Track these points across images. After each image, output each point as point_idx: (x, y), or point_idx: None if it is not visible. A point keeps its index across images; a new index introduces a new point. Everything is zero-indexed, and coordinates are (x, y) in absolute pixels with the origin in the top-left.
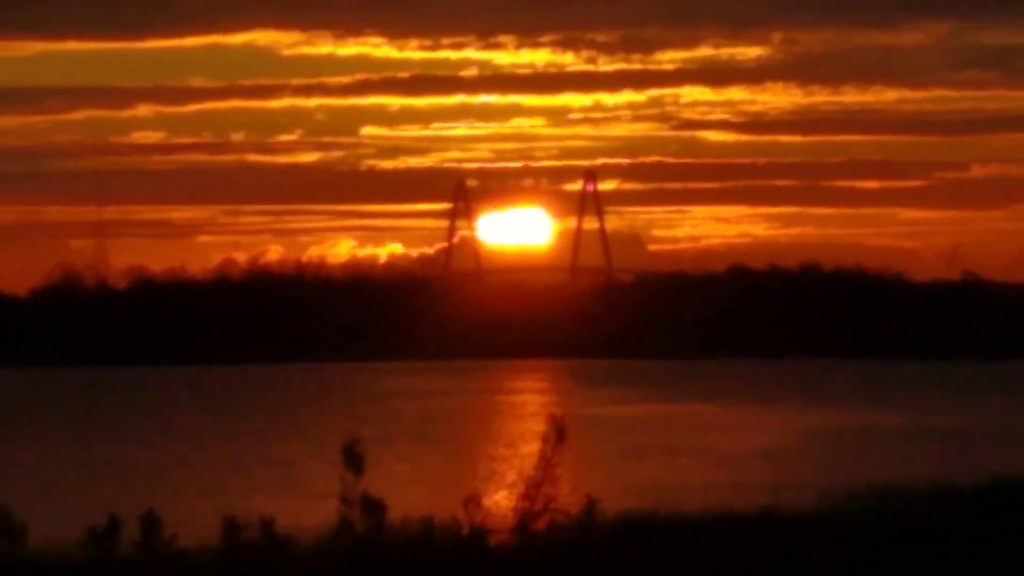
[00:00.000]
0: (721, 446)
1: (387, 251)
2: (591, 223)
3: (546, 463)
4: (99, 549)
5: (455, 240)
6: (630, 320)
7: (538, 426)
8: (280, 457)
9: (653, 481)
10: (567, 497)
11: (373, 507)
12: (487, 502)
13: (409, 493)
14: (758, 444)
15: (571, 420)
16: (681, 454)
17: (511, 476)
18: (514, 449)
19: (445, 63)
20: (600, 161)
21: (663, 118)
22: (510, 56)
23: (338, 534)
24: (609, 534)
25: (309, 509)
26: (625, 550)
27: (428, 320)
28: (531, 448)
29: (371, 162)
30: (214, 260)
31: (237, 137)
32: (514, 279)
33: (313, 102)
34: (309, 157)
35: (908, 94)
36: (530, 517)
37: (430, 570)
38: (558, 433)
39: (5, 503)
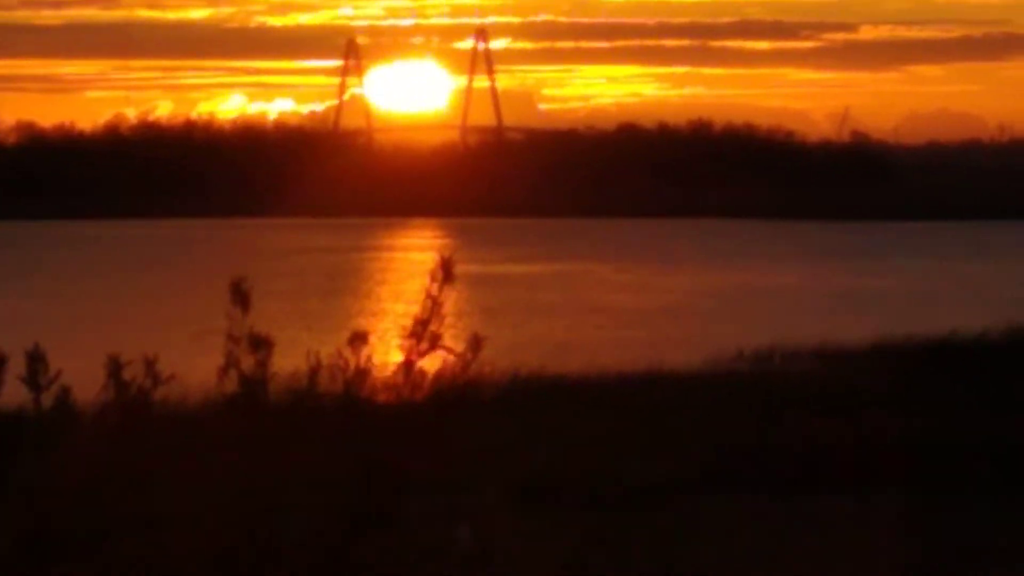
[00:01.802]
0: (616, 304)
1: (277, 108)
2: (481, 82)
3: (433, 301)
4: None
5: (345, 98)
6: (520, 179)
7: (418, 283)
8: (167, 310)
9: (546, 338)
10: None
11: (260, 343)
12: (373, 341)
13: (295, 334)
14: (654, 303)
15: (463, 276)
16: (574, 312)
17: (398, 320)
18: (400, 301)
19: None
20: (491, 19)
21: None
22: None
23: (223, 371)
24: (496, 388)
25: (195, 350)
26: (508, 403)
27: (318, 177)
28: (416, 301)
29: (261, 19)
30: (104, 116)
31: None
32: (404, 137)
33: None
34: (199, 13)
35: None
36: (416, 354)
37: (314, 404)
38: (445, 272)
39: None
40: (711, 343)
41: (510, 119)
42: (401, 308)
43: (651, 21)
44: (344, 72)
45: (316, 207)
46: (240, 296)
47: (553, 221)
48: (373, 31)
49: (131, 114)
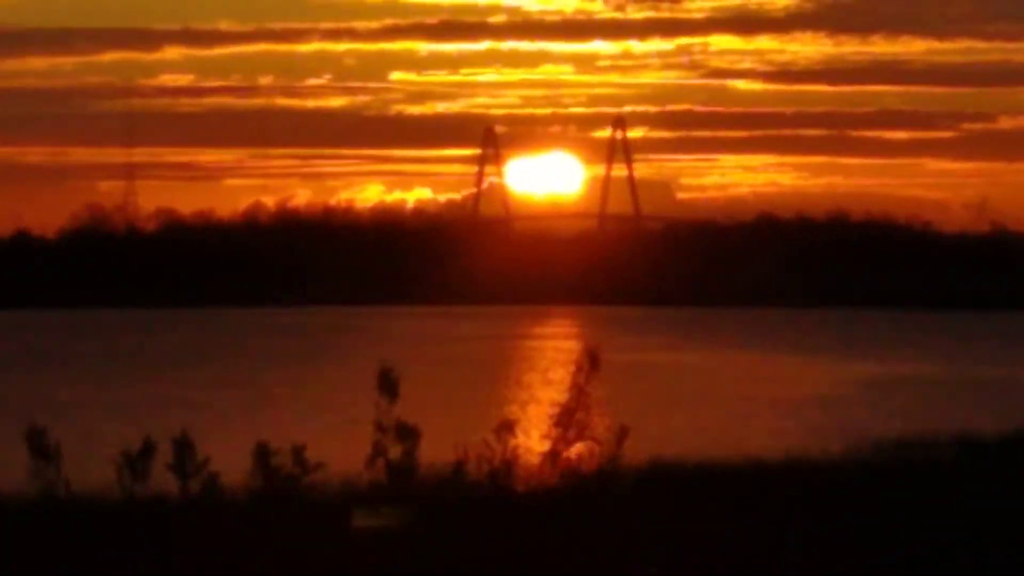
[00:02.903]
0: (754, 394)
1: (415, 196)
2: (620, 171)
3: (579, 391)
4: (133, 472)
5: (483, 186)
6: (658, 268)
7: (562, 372)
8: (312, 397)
9: (690, 427)
10: (600, 430)
11: (408, 433)
12: (519, 430)
13: (441, 422)
14: (793, 393)
15: (605, 364)
16: (712, 401)
17: (544, 409)
18: (546, 389)
19: (473, 8)
20: (628, 108)
21: (692, 67)
22: (538, 2)
23: (371, 460)
24: (635, 477)
25: (343, 438)
26: (649, 493)
27: (455, 266)
28: (563, 387)
29: (399, 107)
30: (242, 203)
31: (265, 81)
32: (542, 226)
33: (342, 46)
34: (337, 101)
35: (937, 45)
36: (562, 443)
37: (461, 494)
38: (592, 360)
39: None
40: (853, 432)
41: (648, 208)
42: (545, 396)
43: (789, 110)
44: (482, 160)
45: (455, 294)
46: (388, 385)
47: (692, 309)
48: (511, 119)
49: (269, 202)
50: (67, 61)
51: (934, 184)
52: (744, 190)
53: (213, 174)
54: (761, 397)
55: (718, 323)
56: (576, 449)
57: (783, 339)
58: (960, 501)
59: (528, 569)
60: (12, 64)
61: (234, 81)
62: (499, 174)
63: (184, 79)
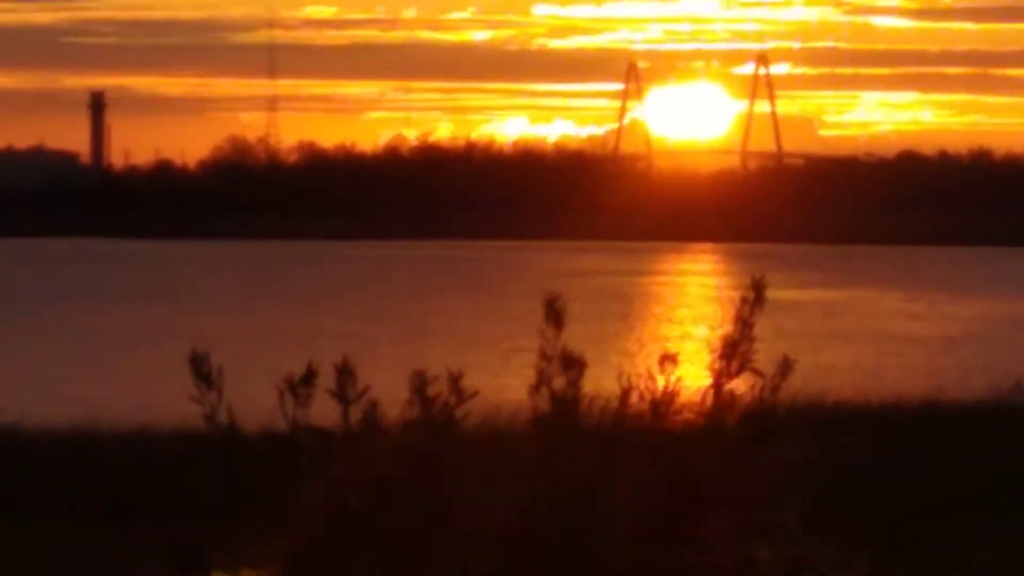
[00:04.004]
0: (907, 332)
1: (557, 131)
2: (762, 107)
3: (743, 323)
4: (295, 396)
5: (625, 121)
6: (800, 205)
7: (712, 308)
8: (464, 329)
9: (844, 364)
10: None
11: (573, 363)
12: (681, 362)
13: (595, 356)
14: (945, 330)
15: (753, 301)
16: (868, 339)
17: (703, 345)
18: (698, 325)
19: None
20: (772, 45)
21: (835, 3)
22: None
23: (535, 389)
24: (800, 412)
25: (498, 368)
26: (811, 426)
27: (597, 201)
28: (712, 325)
29: (542, 41)
30: (383, 137)
31: (408, 13)
32: (683, 162)
33: None
34: (481, 35)
35: None
36: (725, 375)
37: (625, 424)
38: (756, 294)
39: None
40: (991, 373)
41: (790, 145)
42: (697, 332)
43: (933, 48)
44: (624, 96)
45: (595, 230)
46: (554, 315)
47: (832, 247)
48: (653, 55)
49: (411, 136)
50: None
51: None
52: (887, 127)
53: (355, 107)
54: (912, 335)
55: (861, 261)
56: (740, 381)
57: (928, 277)
58: None
59: (683, 501)
60: None
61: (378, 13)
62: (641, 109)
63: (328, 11)
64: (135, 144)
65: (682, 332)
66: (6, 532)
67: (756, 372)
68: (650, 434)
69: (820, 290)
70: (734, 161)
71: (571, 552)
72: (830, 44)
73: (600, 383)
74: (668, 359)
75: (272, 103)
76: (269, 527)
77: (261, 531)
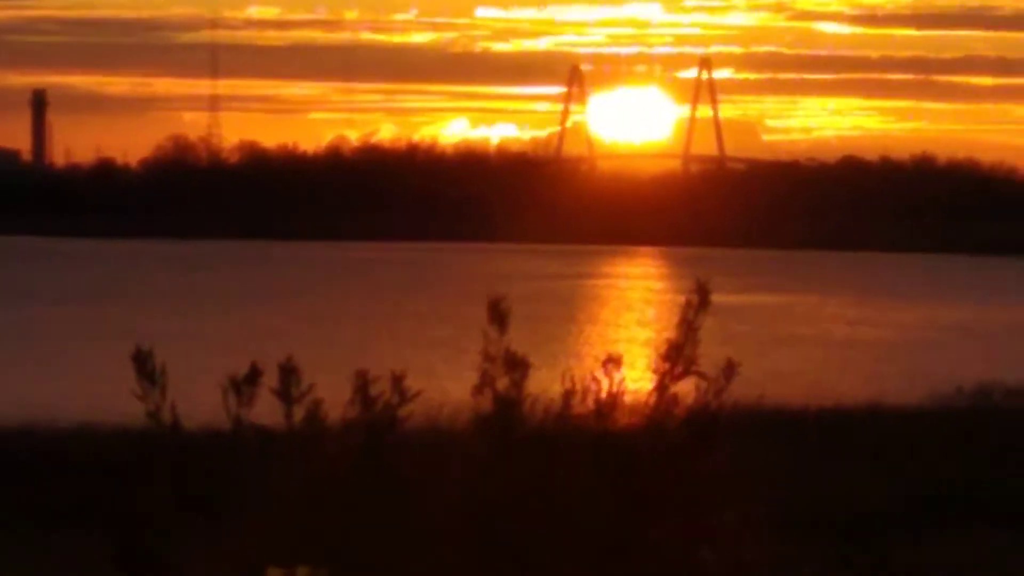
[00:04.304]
0: (845, 337)
1: (499, 134)
2: (705, 111)
3: (687, 326)
4: (238, 396)
5: (568, 125)
6: (742, 209)
7: (655, 311)
8: (406, 330)
9: (783, 369)
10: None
11: (516, 364)
12: (624, 365)
13: (537, 359)
14: (882, 336)
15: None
16: (796, 344)
17: (646, 348)
18: (642, 328)
19: None
20: (715, 49)
21: (778, 8)
22: None
23: (478, 390)
24: (741, 416)
25: (440, 370)
26: (753, 431)
27: (539, 204)
28: (655, 328)
29: (485, 44)
30: (326, 138)
31: (351, 15)
32: (626, 165)
33: None
34: (423, 37)
35: None
36: (669, 379)
37: (568, 426)
38: (701, 297)
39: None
40: (933, 378)
41: (732, 149)
42: (641, 335)
43: (875, 54)
44: (567, 99)
45: (537, 233)
46: (498, 316)
47: (774, 252)
48: (596, 58)
49: (353, 136)
50: None
51: (1020, 130)
52: (829, 133)
53: (297, 108)
54: (856, 340)
55: (804, 266)
56: (683, 384)
57: (871, 282)
58: None
59: (632, 503)
60: None
61: (320, 15)
62: (584, 113)
63: (270, 12)
64: (77, 143)
65: (626, 335)
66: None
67: (700, 375)
68: (594, 436)
69: (764, 295)
70: (676, 165)
71: (514, 556)
72: (773, 49)
73: (544, 385)
74: (612, 361)
75: (214, 103)
76: (216, 527)
77: (209, 532)
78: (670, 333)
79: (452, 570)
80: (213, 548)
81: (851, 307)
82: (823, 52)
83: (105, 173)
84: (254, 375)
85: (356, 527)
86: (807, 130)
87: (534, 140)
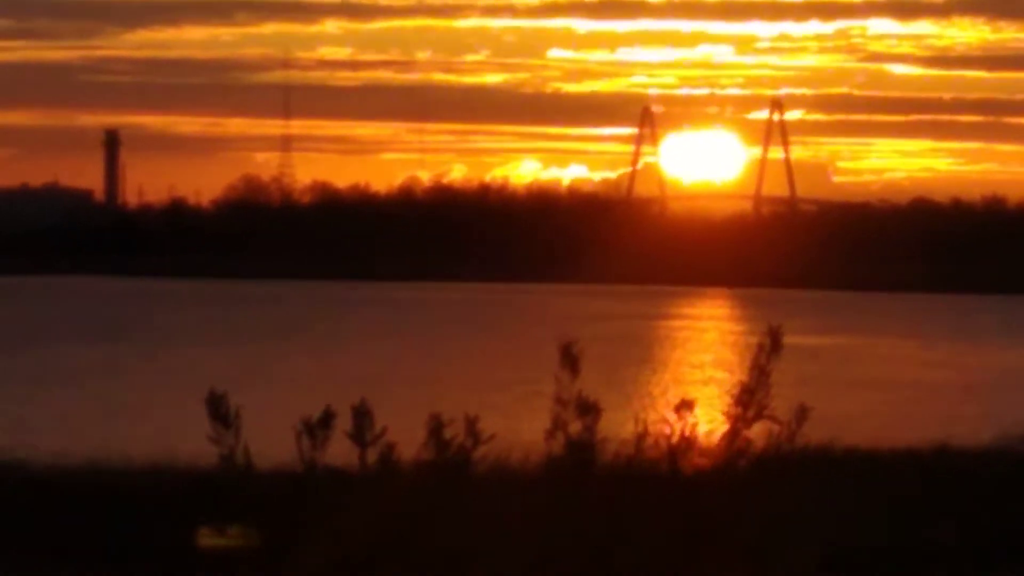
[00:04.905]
0: (921, 379)
1: (570, 174)
2: (776, 153)
3: (760, 371)
4: (313, 439)
5: (639, 166)
6: (813, 251)
7: (728, 353)
8: (479, 372)
9: (858, 410)
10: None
11: (588, 409)
12: (697, 409)
13: (614, 399)
14: (957, 379)
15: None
16: (867, 386)
17: (719, 390)
18: (715, 369)
19: None
20: (786, 91)
21: (850, 50)
22: None
23: (550, 435)
24: (797, 460)
25: (513, 412)
26: (824, 473)
27: (610, 245)
28: (729, 370)
29: (556, 85)
30: (398, 178)
31: (423, 56)
32: (697, 206)
33: (500, 23)
34: (495, 78)
35: None
36: (742, 423)
37: (641, 473)
38: (773, 342)
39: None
40: (1003, 419)
41: (803, 190)
42: (714, 375)
43: (947, 96)
44: (638, 140)
45: (609, 274)
46: (570, 360)
47: (846, 294)
48: (667, 100)
49: (425, 177)
50: (226, 32)
51: None
52: (900, 174)
53: (369, 148)
54: (929, 383)
55: (874, 307)
56: (756, 428)
57: (942, 325)
58: None
59: (701, 546)
60: (171, 34)
61: (392, 55)
62: (655, 154)
63: (342, 52)
64: (149, 183)
65: (699, 376)
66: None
67: (773, 419)
68: (665, 480)
69: (836, 336)
70: (748, 206)
71: None
72: (844, 90)
73: (617, 427)
74: (685, 405)
75: (286, 143)
76: (290, 568)
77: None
78: (742, 376)
79: None
80: None
81: (925, 349)
82: (894, 93)
83: (178, 213)
84: (328, 418)
85: (428, 567)
86: (878, 171)
87: (605, 181)
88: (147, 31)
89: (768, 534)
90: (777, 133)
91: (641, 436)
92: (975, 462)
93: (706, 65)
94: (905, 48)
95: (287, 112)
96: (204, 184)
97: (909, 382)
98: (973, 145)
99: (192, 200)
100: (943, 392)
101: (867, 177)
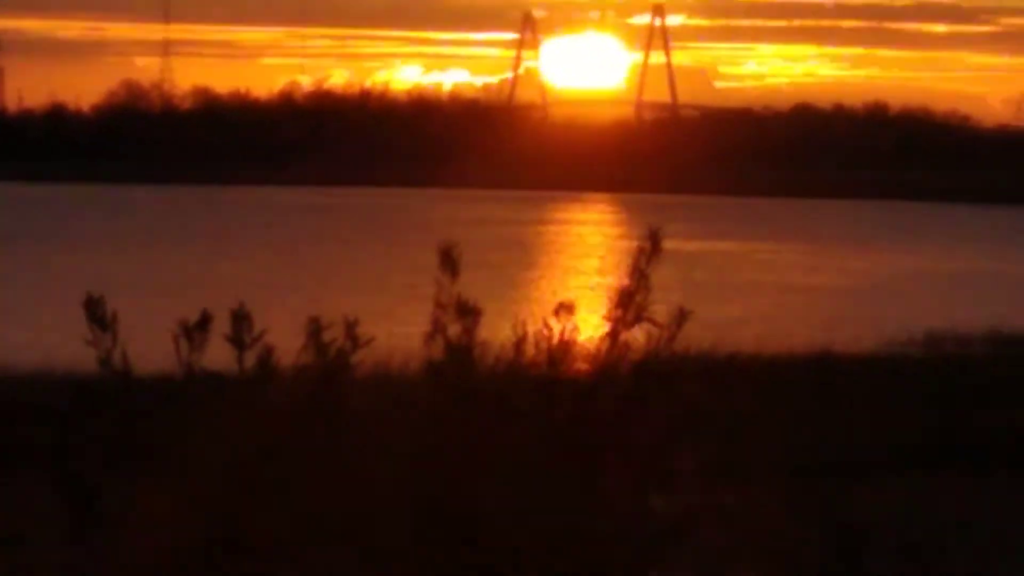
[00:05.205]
0: (802, 284)
1: (452, 80)
2: (657, 58)
3: (640, 273)
4: (190, 342)
5: (520, 71)
6: (694, 156)
7: (609, 257)
8: (360, 276)
9: (735, 315)
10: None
11: (467, 311)
12: (575, 312)
13: (494, 304)
14: (837, 283)
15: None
16: (752, 291)
17: (599, 294)
18: (596, 275)
19: None
20: None
21: None
22: None
23: (430, 337)
24: (693, 362)
25: (394, 316)
26: (705, 377)
27: (492, 150)
28: (609, 275)
29: None
30: (278, 83)
31: None
32: (578, 112)
33: None
34: None
35: None
36: (622, 325)
37: (519, 373)
38: (653, 244)
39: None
40: (888, 325)
41: (685, 96)
42: (593, 281)
43: (829, 2)
44: (520, 45)
45: (489, 179)
46: (449, 262)
47: (728, 199)
48: (549, 4)
49: (306, 82)
50: None
51: (974, 78)
52: (782, 80)
53: (249, 53)
54: (812, 287)
55: (756, 214)
56: (634, 331)
57: (825, 230)
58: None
59: (578, 452)
60: None
61: None
62: (536, 59)
63: None
64: (29, 88)
65: (580, 282)
66: None
67: (652, 322)
68: (545, 382)
69: (718, 241)
70: (629, 112)
71: (464, 501)
72: None
73: (497, 332)
74: (564, 308)
75: (166, 48)
76: (164, 474)
77: (156, 478)
78: (622, 280)
79: (395, 521)
80: (155, 494)
81: (808, 255)
82: None
83: (58, 118)
84: (205, 321)
85: (299, 475)
86: (760, 77)
87: (486, 87)
88: None
89: (653, 438)
90: (659, 38)
91: (521, 340)
92: (858, 366)
93: None
94: None
95: (167, 16)
96: (84, 89)
97: (794, 287)
98: (856, 51)
99: (72, 106)
100: (828, 297)
101: (749, 83)
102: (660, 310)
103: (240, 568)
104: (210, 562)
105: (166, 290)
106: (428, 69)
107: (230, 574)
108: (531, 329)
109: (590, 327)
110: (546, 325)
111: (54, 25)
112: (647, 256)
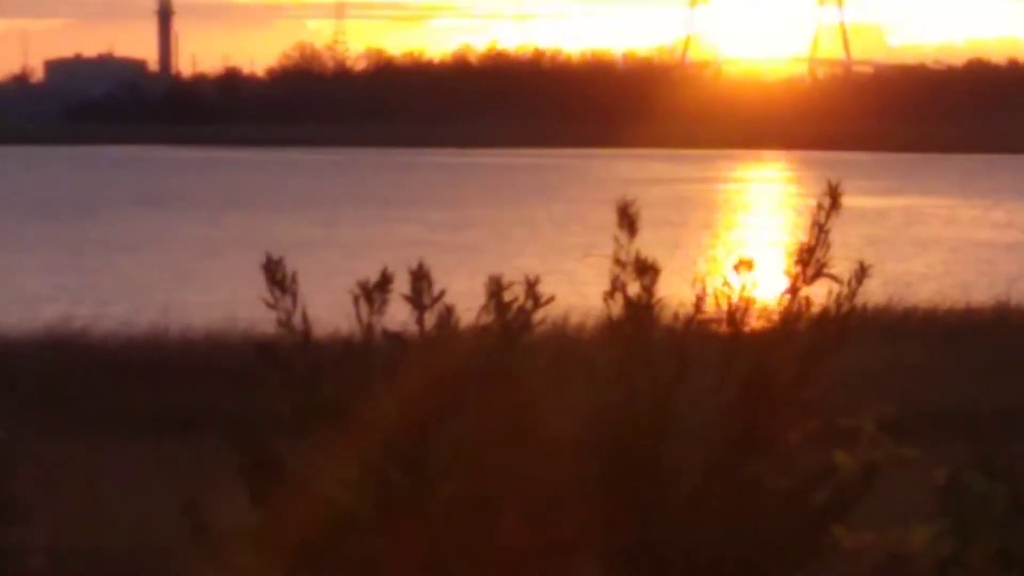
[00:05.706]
0: (971, 239)
1: (625, 39)
2: (831, 16)
3: (819, 228)
4: (369, 301)
5: (693, 31)
6: (869, 113)
7: (787, 214)
8: (540, 235)
9: (922, 271)
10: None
11: (646, 269)
12: (756, 268)
13: (675, 263)
14: (1011, 239)
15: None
16: (931, 246)
17: (779, 251)
18: (774, 231)
19: None
20: None
21: None
22: None
23: (608, 296)
24: (878, 318)
25: (574, 274)
26: (890, 333)
27: (665, 109)
28: (788, 232)
29: None
30: (451, 45)
31: None
32: (751, 70)
33: None
34: None
35: None
36: (801, 281)
37: (699, 330)
38: (833, 199)
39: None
40: None
41: (859, 53)
42: (772, 238)
43: None
44: (693, 4)
45: (663, 138)
46: (627, 220)
47: (901, 155)
48: None
49: (478, 44)
50: None
51: None
52: (956, 37)
53: (422, 15)
54: (989, 242)
55: (931, 169)
56: (814, 287)
57: (1002, 185)
58: None
59: (760, 408)
60: None
61: None
62: (710, 19)
63: None
64: (202, 52)
65: (758, 239)
66: (67, 443)
67: (832, 278)
68: (724, 339)
69: (896, 197)
70: (802, 69)
71: (644, 457)
72: None
73: (677, 290)
74: (743, 264)
75: (340, 10)
76: (344, 435)
77: (337, 439)
78: (801, 236)
79: (574, 480)
80: (336, 455)
81: (986, 209)
82: None
83: (232, 82)
84: (385, 281)
85: (481, 434)
86: (933, 33)
87: (660, 47)
88: None
89: (834, 391)
90: None
91: (700, 297)
92: None
93: None
94: None
95: None
96: (257, 53)
97: (974, 242)
98: None
99: (246, 70)
100: (1009, 252)
101: (923, 40)
102: (840, 266)
103: (420, 531)
104: (385, 526)
105: (345, 253)
106: (601, 29)
107: (408, 538)
108: (710, 287)
109: (769, 284)
110: (725, 283)
111: None
112: (826, 211)
